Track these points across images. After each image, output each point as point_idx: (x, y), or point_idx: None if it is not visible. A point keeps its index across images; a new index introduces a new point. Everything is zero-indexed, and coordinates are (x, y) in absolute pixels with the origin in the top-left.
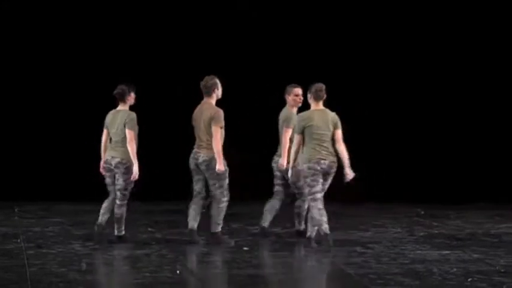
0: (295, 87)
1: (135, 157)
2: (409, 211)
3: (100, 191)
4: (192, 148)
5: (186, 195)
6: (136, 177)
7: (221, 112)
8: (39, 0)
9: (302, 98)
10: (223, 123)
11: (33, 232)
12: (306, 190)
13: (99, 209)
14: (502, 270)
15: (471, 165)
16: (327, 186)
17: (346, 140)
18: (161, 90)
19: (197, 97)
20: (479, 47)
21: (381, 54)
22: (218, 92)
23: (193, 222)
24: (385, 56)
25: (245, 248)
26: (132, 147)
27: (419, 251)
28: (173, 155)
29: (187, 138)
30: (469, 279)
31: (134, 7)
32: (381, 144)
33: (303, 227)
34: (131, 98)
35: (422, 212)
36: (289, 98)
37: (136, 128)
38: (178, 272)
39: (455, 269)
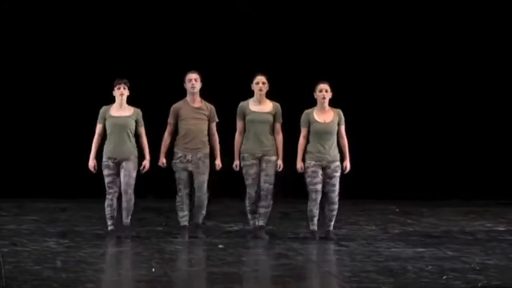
0: (320, 82)
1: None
2: (383, 208)
3: (75, 189)
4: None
5: (160, 193)
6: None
7: None
8: (39, 0)
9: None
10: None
11: (7, 230)
12: None
13: (74, 207)
14: (477, 268)
15: (445, 162)
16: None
17: None
18: (158, 89)
19: (178, 92)
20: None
21: (369, 52)
22: None
23: None
24: (371, 53)
25: (220, 246)
26: None
27: (393, 249)
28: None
29: (157, 133)
30: (444, 277)
31: (134, 7)
32: (354, 142)
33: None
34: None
35: (397, 210)
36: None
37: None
38: (153, 269)
39: (430, 267)
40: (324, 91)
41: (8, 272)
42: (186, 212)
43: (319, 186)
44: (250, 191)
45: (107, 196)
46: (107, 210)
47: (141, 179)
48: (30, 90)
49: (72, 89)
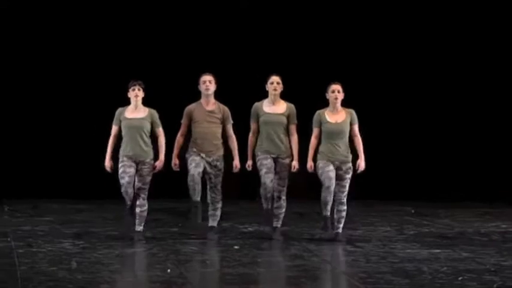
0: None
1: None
2: (398, 209)
3: (90, 190)
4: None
5: (174, 193)
6: None
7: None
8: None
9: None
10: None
11: (22, 231)
12: None
13: (88, 208)
14: (492, 269)
15: (460, 164)
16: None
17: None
18: (157, 89)
19: (192, 94)
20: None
21: (373, 51)
22: None
23: None
24: (382, 55)
25: (235, 247)
26: None
27: (409, 250)
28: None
29: (173, 135)
30: (459, 278)
31: (133, 6)
32: (370, 142)
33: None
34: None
35: (413, 211)
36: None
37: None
38: (168, 270)
39: (445, 268)
40: (336, 92)
41: (23, 273)
42: (198, 189)
43: (332, 173)
44: (266, 180)
45: (122, 189)
46: (124, 196)
47: (156, 180)
48: (45, 92)
49: (87, 91)
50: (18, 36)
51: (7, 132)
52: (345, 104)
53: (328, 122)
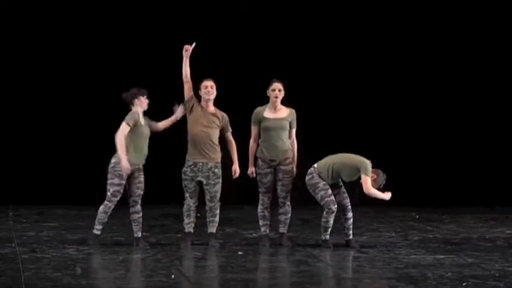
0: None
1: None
2: (403, 215)
3: (94, 196)
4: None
5: (180, 199)
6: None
7: None
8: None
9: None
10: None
11: (27, 236)
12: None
13: (93, 214)
14: (497, 275)
15: (465, 169)
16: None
17: (340, 143)
18: (156, 91)
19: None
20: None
21: (377, 57)
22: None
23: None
24: (380, 58)
25: (239, 253)
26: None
27: (413, 256)
28: (166, 159)
29: (176, 141)
30: (464, 284)
31: (134, 6)
32: (374, 148)
33: None
34: (140, 102)
35: (417, 217)
36: None
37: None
38: (173, 276)
39: (449, 274)
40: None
41: (27, 278)
42: (193, 219)
43: (333, 197)
44: (264, 198)
45: (108, 204)
46: (104, 216)
47: (162, 185)
48: (50, 99)
49: (92, 98)
50: (18, 37)
51: (13, 139)
52: (350, 107)
53: None
